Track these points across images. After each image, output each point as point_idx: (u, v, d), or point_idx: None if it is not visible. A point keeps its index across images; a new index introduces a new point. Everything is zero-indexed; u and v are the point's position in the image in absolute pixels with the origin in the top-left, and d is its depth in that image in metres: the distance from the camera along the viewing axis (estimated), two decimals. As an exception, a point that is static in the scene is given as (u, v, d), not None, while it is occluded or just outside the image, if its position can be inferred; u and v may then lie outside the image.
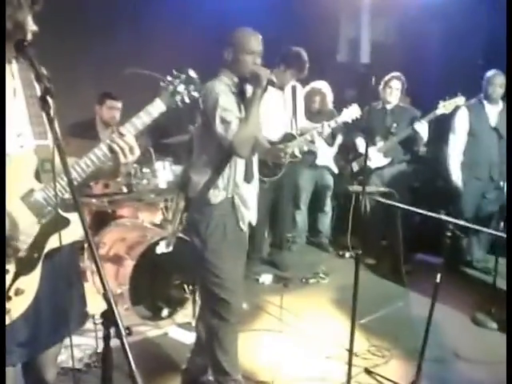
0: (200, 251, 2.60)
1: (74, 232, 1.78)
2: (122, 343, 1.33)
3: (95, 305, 2.15)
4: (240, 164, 2.60)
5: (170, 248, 3.61)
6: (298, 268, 4.86)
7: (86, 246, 3.70)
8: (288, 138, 4.20)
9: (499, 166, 4.56)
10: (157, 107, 1.84)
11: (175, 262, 3.67)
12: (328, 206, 5.58)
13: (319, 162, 5.29)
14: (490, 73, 4.58)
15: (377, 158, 4.90)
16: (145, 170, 3.65)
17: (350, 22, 6.78)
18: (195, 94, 1.92)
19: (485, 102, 4.61)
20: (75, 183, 1.72)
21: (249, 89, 2.62)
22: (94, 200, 3.51)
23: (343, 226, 5.36)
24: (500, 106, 4.61)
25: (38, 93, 1.61)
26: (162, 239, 3.61)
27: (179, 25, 4.92)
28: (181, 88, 1.89)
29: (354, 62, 6.91)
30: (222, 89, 2.53)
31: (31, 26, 1.70)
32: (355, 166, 5.02)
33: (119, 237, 3.69)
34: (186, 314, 3.71)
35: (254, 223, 2.77)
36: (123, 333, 1.33)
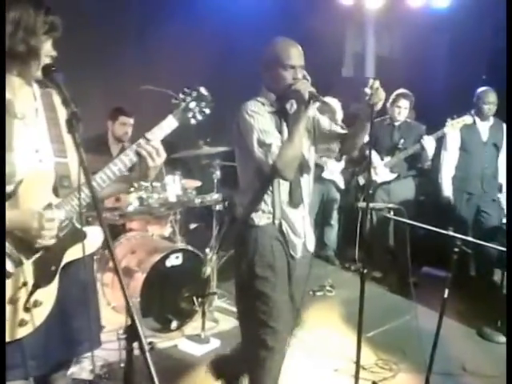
0: (247, 276, 2.46)
1: (90, 245, 1.84)
2: (145, 358, 1.37)
3: (105, 317, 2.21)
4: (284, 188, 2.45)
5: (180, 260, 3.67)
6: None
7: (95, 257, 3.77)
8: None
9: (492, 180, 4.62)
10: (169, 123, 1.90)
11: (185, 274, 3.73)
12: (334, 220, 5.62)
13: (326, 175, 5.34)
14: (481, 89, 4.61)
15: (383, 172, 4.94)
16: (155, 184, 3.71)
17: (355, 37, 6.85)
18: (207, 111, 1.97)
19: (476, 118, 4.65)
20: (99, 189, 1.79)
21: (290, 106, 2.48)
22: (105, 213, 3.55)
23: (350, 240, 5.39)
24: (491, 121, 4.66)
25: (63, 116, 1.68)
26: (171, 252, 3.66)
27: (188, 41, 4.99)
28: (192, 105, 1.93)
29: (359, 76, 6.99)
30: (258, 109, 2.38)
31: (50, 52, 1.76)
32: (361, 180, 5.07)
33: (129, 250, 3.74)
34: (195, 326, 3.74)
35: (311, 249, 2.60)
36: (146, 348, 1.38)
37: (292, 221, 2.48)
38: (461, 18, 6.07)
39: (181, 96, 1.94)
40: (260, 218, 2.44)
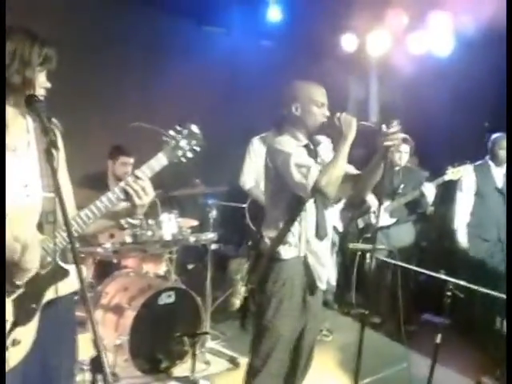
0: (261, 308, 2.58)
1: (72, 283, 1.81)
2: (109, 389, 1.35)
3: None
4: (311, 220, 2.57)
5: (172, 299, 3.63)
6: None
7: (89, 295, 3.74)
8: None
9: (506, 228, 4.55)
10: (159, 161, 1.90)
11: (177, 313, 3.68)
12: (333, 262, 5.56)
13: (325, 218, 5.32)
14: (496, 135, 4.64)
15: (383, 216, 4.92)
16: (150, 221, 3.71)
17: (358, 83, 6.96)
18: (197, 149, 1.96)
19: (491, 164, 4.65)
20: (85, 226, 1.79)
21: (322, 140, 2.65)
22: (98, 249, 3.56)
23: (348, 284, 5.32)
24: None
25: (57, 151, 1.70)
26: (164, 290, 3.63)
27: (190, 81, 5.08)
28: (183, 143, 1.93)
29: (362, 121, 7.05)
30: (289, 142, 2.54)
31: (44, 83, 1.79)
32: (361, 223, 5.04)
33: (122, 287, 3.72)
34: (186, 367, 3.66)
35: (332, 282, 2.75)
36: (110, 380, 1.36)
37: (318, 253, 2.59)
38: (462, 66, 6.16)
39: (171, 133, 1.94)
40: (286, 251, 2.53)
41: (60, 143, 1.86)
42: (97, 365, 1.39)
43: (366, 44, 6.32)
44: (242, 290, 4.05)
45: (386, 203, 4.93)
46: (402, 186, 4.88)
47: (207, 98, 5.18)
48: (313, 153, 2.64)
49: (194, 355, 3.55)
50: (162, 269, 4.15)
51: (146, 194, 1.86)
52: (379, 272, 4.97)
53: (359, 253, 5.20)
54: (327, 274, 2.67)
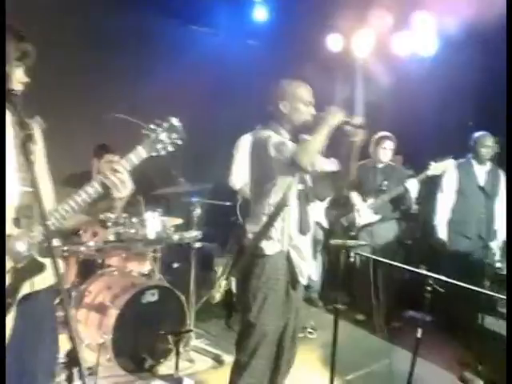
0: (247, 305, 2.63)
1: (49, 277, 1.79)
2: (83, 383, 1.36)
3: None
4: (294, 215, 2.62)
5: (156, 297, 3.63)
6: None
7: (73, 294, 3.73)
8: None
9: (487, 225, 4.60)
10: (138, 154, 1.90)
11: (161, 312, 3.67)
12: (319, 261, 5.57)
13: (310, 216, 5.34)
14: (479, 134, 4.69)
15: (367, 214, 4.95)
16: (134, 219, 3.70)
17: (344, 82, 6.98)
18: (178, 142, 1.96)
19: (473, 162, 4.70)
20: (63, 221, 1.79)
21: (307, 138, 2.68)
22: (82, 248, 3.54)
23: (333, 281, 5.35)
24: (488, 166, 4.71)
25: (35, 145, 1.69)
26: (148, 288, 3.63)
27: (175, 78, 5.09)
28: (163, 136, 1.93)
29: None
30: (272, 134, 2.61)
31: (22, 78, 1.79)
32: (345, 222, 5.07)
33: (105, 285, 3.70)
34: (170, 365, 3.66)
35: (314, 278, 2.80)
36: (85, 373, 1.36)
37: (300, 248, 2.65)
38: (447, 66, 6.22)
39: (151, 127, 1.93)
40: (270, 247, 2.58)
41: (40, 139, 1.87)
42: (72, 359, 1.40)
43: (352, 44, 6.37)
44: (222, 283, 4.06)
45: (370, 201, 4.97)
46: (385, 182, 4.92)
47: (194, 97, 5.19)
48: None
49: (177, 353, 3.52)
50: (146, 268, 4.14)
51: (125, 187, 1.87)
52: (363, 269, 5.01)
53: (343, 250, 5.23)
54: (308, 268, 2.72)
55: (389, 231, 4.99)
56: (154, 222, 3.82)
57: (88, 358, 3.45)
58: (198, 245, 4.06)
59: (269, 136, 2.55)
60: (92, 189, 1.85)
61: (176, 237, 3.92)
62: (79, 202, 1.83)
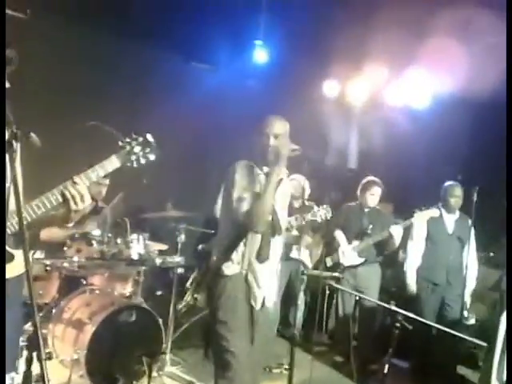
0: (211, 321, 2.74)
1: (18, 266, 1.87)
2: (42, 367, 1.42)
3: (51, 372, 2.20)
4: (255, 243, 2.74)
5: (134, 318, 3.67)
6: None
7: (53, 311, 3.77)
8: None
9: (457, 273, 4.68)
10: (112, 163, 2.02)
11: (137, 333, 3.70)
12: (301, 300, 5.59)
13: (294, 255, 5.38)
14: (448, 183, 4.80)
15: (351, 256, 5.02)
16: (119, 240, 3.79)
17: (339, 129, 7.18)
18: (151, 157, 2.11)
19: (442, 211, 4.81)
20: (34, 215, 1.88)
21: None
22: (65, 264, 3.61)
23: (315, 321, 5.36)
24: (457, 215, 4.81)
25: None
26: (126, 308, 3.67)
27: (172, 110, 5.23)
28: (137, 149, 2.08)
29: (341, 166, 7.27)
30: (247, 169, 2.73)
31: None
32: (329, 261, 5.13)
33: (84, 302, 3.74)
34: (140, 388, 3.67)
35: (268, 305, 2.85)
36: (43, 356, 1.43)
37: (257, 274, 2.74)
38: (439, 119, 6.44)
39: (127, 140, 2.08)
40: (229, 268, 2.70)
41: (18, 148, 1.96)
42: (33, 342, 1.46)
43: (347, 92, 6.61)
44: (188, 298, 4.10)
45: (355, 243, 5.04)
46: (370, 226, 5.00)
47: (189, 128, 5.36)
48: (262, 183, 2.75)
49: (149, 376, 3.55)
50: (127, 289, 4.19)
51: (82, 201, 1.94)
52: (345, 310, 5.05)
53: (327, 292, 5.30)
54: (263, 295, 2.79)
55: (372, 274, 5.05)
56: (139, 245, 3.90)
57: (62, 373, 3.47)
58: (180, 270, 4.13)
59: (233, 184, 2.67)
60: (53, 196, 1.93)
61: (159, 260, 3.99)
62: (46, 204, 1.90)
